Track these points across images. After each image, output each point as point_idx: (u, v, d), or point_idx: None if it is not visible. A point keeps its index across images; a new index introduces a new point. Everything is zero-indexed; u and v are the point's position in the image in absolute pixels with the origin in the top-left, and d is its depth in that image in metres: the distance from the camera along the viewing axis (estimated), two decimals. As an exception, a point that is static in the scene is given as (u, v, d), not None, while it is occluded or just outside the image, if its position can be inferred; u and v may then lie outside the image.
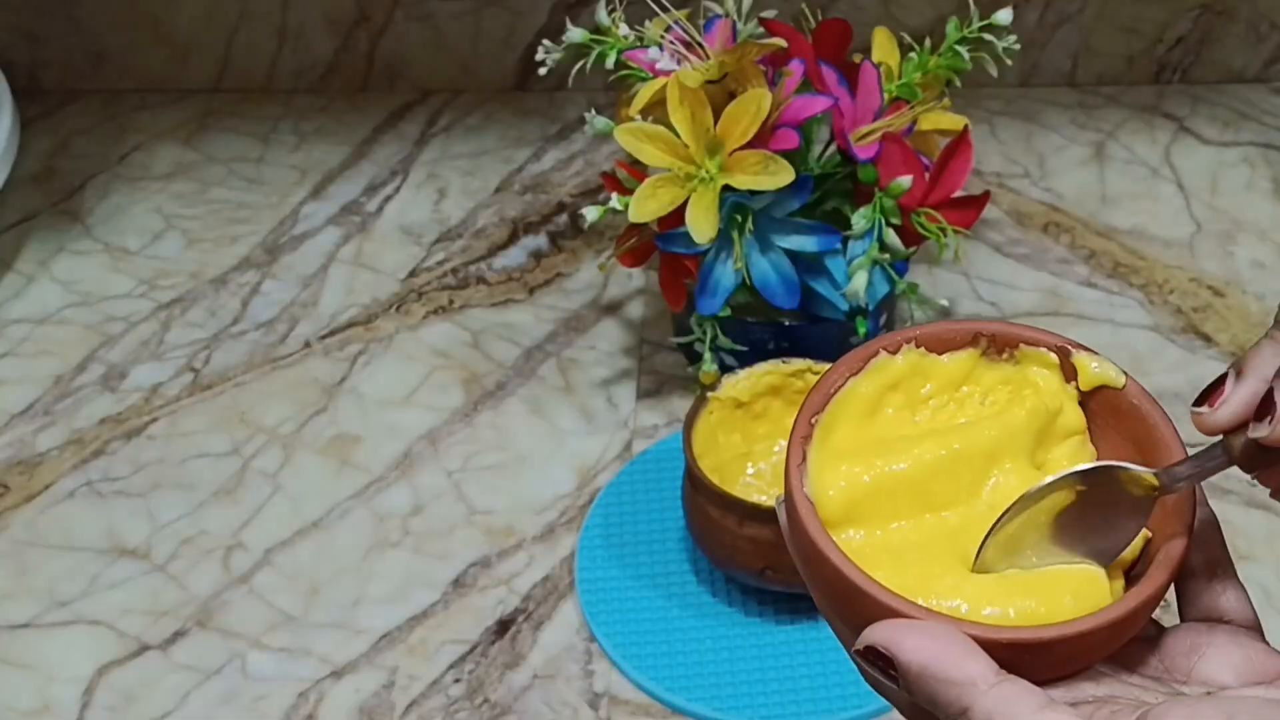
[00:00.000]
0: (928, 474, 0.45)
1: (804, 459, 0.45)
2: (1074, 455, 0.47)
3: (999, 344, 0.47)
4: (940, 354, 0.47)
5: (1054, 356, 0.47)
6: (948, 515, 0.45)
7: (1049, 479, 0.44)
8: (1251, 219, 1.02)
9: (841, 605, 0.42)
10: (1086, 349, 0.47)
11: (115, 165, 1.09)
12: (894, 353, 0.47)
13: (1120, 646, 0.42)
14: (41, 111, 1.13)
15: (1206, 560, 0.44)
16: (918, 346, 0.47)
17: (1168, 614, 0.43)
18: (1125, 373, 0.46)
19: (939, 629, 0.40)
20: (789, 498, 0.44)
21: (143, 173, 1.09)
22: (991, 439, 0.46)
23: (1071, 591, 0.43)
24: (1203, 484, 0.45)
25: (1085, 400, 0.47)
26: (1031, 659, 0.40)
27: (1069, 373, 0.47)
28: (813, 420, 0.46)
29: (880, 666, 0.41)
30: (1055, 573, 0.44)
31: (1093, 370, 0.46)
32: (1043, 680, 0.41)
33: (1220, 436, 0.42)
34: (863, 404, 0.46)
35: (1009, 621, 0.42)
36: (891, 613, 0.41)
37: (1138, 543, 0.45)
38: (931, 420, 0.47)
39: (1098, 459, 0.47)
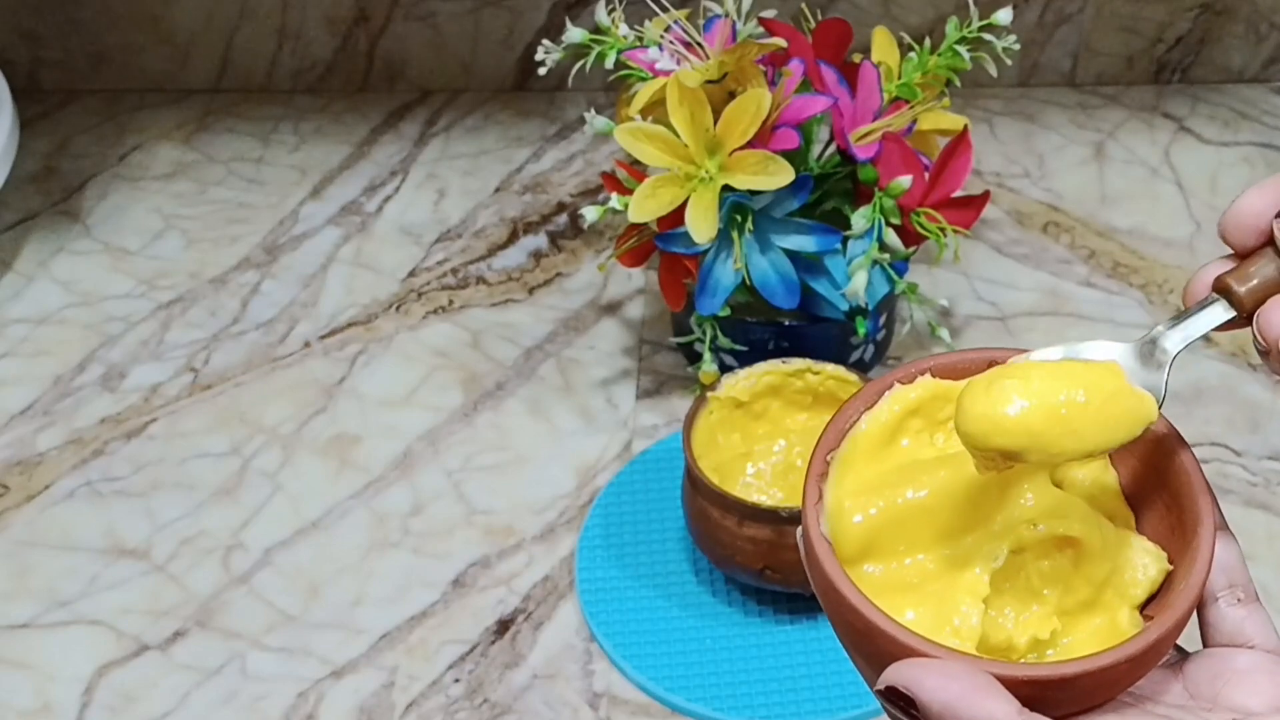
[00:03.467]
0: (945, 501, 0.44)
1: (820, 497, 0.44)
2: (1095, 476, 0.46)
3: None
4: (958, 381, 0.46)
5: None
6: (968, 541, 0.44)
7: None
8: (1251, 219, 1.02)
9: (862, 644, 0.42)
10: None
11: (115, 165, 1.09)
12: (909, 383, 0.46)
13: (1143, 677, 0.42)
14: (41, 111, 1.13)
15: (1228, 584, 0.44)
16: (933, 377, 0.46)
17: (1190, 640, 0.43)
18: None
19: (959, 668, 0.39)
20: (806, 537, 0.43)
21: (143, 173, 1.09)
22: None
23: (1092, 626, 0.43)
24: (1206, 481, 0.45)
25: None
26: (1054, 695, 0.40)
27: None
28: (828, 457, 0.44)
29: (902, 706, 0.40)
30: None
31: None
32: (1065, 715, 0.40)
33: (1213, 294, 0.43)
34: (881, 434, 0.45)
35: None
36: (911, 652, 0.40)
37: (1157, 575, 0.44)
38: (950, 442, 0.46)
39: (1119, 482, 0.46)
